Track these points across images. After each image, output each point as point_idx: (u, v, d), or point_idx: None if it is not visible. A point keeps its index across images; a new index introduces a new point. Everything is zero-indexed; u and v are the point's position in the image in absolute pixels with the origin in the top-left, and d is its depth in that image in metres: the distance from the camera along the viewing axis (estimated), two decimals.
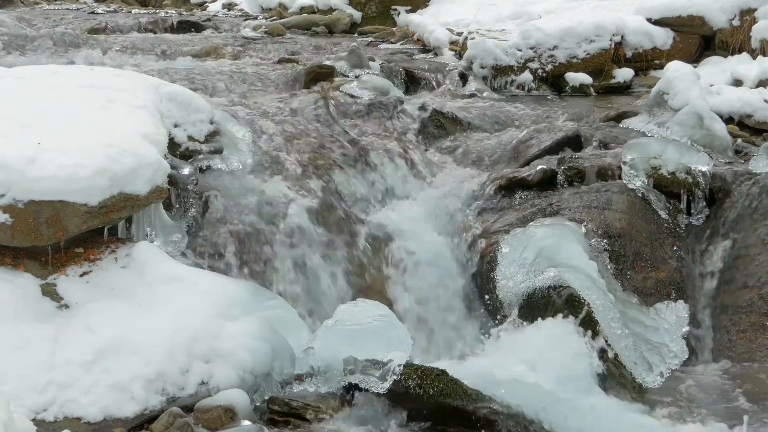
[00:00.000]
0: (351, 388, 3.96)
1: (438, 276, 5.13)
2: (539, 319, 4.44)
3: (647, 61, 8.44)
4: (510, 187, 5.51)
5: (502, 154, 6.04)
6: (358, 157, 5.72)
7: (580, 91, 7.85)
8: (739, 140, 6.09)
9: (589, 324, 4.33)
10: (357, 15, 11.60)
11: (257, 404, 3.84)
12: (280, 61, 8.20)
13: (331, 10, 11.77)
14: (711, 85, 6.90)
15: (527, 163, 5.78)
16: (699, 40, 8.51)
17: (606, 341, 4.31)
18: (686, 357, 4.60)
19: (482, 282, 5.00)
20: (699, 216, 5.32)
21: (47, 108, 4.62)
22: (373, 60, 7.96)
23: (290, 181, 5.27)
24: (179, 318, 3.91)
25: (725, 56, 8.23)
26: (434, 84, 7.84)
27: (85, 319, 3.88)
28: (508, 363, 4.18)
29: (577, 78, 7.88)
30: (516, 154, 5.98)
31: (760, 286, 4.84)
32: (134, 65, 7.69)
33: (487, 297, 4.91)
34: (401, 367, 3.82)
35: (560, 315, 4.38)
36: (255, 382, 3.87)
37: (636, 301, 4.77)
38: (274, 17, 11.92)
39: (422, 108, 6.60)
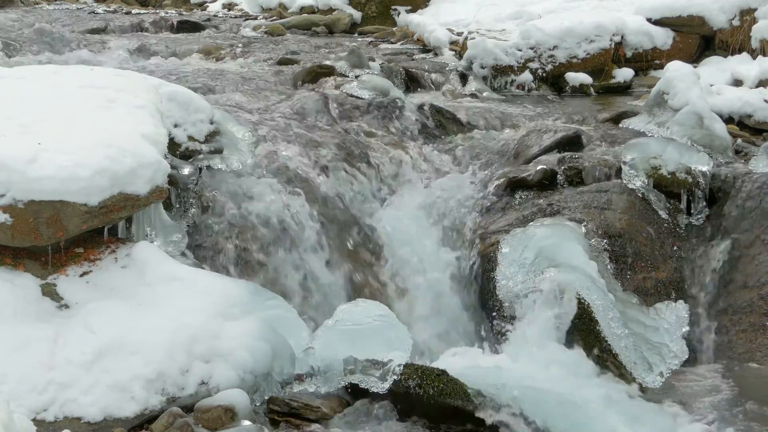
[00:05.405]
0: (351, 388, 3.96)
1: (438, 276, 5.13)
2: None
3: (647, 61, 8.44)
4: (510, 186, 5.51)
5: (502, 154, 6.04)
6: (358, 157, 5.72)
7: (581, 91, 7.86)
8: (739, 140, 6.09)
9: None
10: (357, 15, 11.61)
11: (257, 404, 3.84)
12: (280, 61, 8.20)
13: (331, 10, 11.78)
14: (711, 85, 6.90)
15: (527, 163, 5.78)
16: (699, 40, 8.51)
17: (606, 341, 4.31)
18: (686, 357, 4.60)
19: (482, 282, 5.00)
20: (699, 216, 5.32)
21: (47, 108, 4.61)
22: (373, 60, 7.96)
23: (290, 181, 5.27)
24: (179, 318, 3.91)
25: (725, 56, 8.24)
26: (434, 84, 7.84)
27: (85, 319, 3.87)
28: (508, 363, 4.18)
29: (577, 78, 7.88)
30: (516, 154, 5.98)
31: (760, 286, 4.84)
32: (134, 65, 7.69)
33: (487, 297, 4.91)
34: (401, 367, 3.82)
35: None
36: (255, 382, 3.87)
37: (636, 301, 4.77)
38: (274, 17, 11.92)
39: (422, 108, 6.59)
